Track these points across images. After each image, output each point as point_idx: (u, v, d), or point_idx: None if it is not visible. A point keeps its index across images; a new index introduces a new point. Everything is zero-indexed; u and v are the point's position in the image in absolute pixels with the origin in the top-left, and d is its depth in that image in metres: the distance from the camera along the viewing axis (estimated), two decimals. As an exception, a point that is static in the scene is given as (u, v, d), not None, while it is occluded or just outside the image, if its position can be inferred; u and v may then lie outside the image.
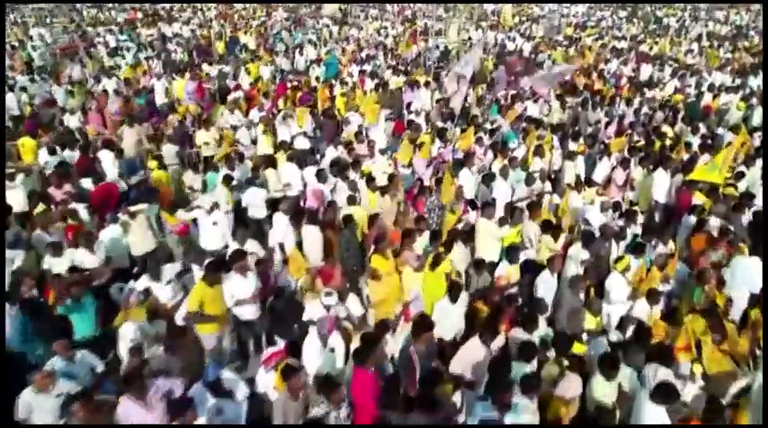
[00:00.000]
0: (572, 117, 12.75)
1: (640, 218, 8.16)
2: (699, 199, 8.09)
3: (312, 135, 11.06)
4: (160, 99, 14.56)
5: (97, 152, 10.00)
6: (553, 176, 10.27)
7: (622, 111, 13.24)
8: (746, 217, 7.73)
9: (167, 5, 38.62)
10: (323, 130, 11.39)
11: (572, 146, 10.33)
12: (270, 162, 9.43)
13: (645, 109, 13.47)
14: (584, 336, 6.07)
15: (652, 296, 6.21)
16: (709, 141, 10.58)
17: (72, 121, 12.41)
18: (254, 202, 8.58)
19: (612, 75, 17.15)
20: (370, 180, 8.32)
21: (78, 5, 38.23)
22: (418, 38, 22.13)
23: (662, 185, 8.70)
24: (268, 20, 31.43)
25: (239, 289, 5.70)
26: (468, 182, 9.02)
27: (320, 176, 8.57)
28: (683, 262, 7.14)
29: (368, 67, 16.59)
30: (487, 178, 8.90)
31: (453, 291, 5.76)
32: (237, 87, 14.19)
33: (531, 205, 7.44)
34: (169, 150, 10.52)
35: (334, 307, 5.76)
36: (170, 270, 6.30)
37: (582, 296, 6.25)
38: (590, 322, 6.21)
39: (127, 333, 5.52)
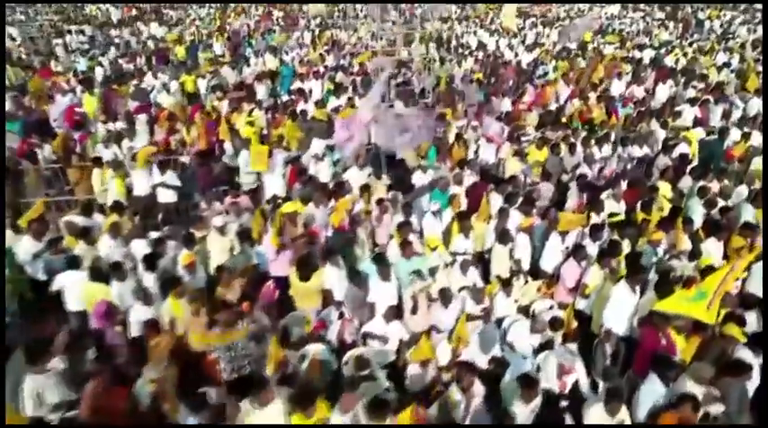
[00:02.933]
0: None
1: (580, 366, 5.19)
2: (676, 341, 5.02)
3: (180, 184, 8.44)
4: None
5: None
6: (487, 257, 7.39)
7: (613, 152, 10.12)
8: (753, 384, 4.66)
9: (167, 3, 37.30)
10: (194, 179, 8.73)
11: (516, 216, 7.30)
12: (82, 231, 6.89)
13: (645, 149, 10.25)
14: None
15: None
16: (718, 215, 7.43)
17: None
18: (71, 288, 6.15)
19: (620, 98, 13.78)
20: (172, 281, 5.65)
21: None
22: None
23: (622, 306, 5.62)
24: (261, 21, 29.16)
25: None
26: (337, 279, 6.25)
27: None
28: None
29: (314, 84, 13.85)
30: (357, 273, 6.11)
31: None
32: (141, 109, 11.68)
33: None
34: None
35: None
36: None
37: None
38: None
39: None
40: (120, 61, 19.02)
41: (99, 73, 16.72)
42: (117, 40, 22.52)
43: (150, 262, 6.02)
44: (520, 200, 7.64)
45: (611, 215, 7.20)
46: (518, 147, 9.45)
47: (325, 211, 7.48)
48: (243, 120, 10.78)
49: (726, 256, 6.97)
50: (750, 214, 7.33)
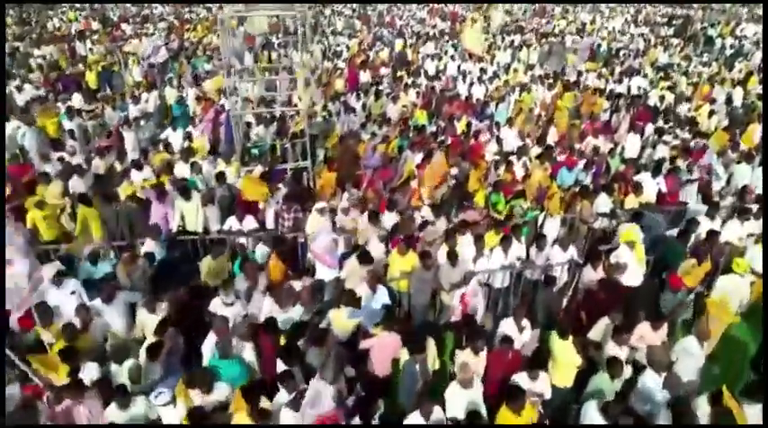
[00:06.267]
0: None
1: None
2: None
3: None
4: None
5: None
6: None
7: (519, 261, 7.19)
8: None
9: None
10: None
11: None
12: None
13: (570, 252, 7.27)
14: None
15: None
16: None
17: None
18: None
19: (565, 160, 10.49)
20: None
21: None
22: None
23: None
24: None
25: None
26: None
27: None
28: None
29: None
30: None
31: None
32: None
33: None
34: None
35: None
36: None
37: None
38: None
39: None
40: (28, 86, 16.73)
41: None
42: (39, 61, 20.24)
43: None
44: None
45: None
46: (368, 267, 6.42)
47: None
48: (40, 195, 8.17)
49: None
50: None
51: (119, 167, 10.21)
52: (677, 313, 6.01)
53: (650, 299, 6.71)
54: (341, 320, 5.62)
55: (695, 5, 36.25)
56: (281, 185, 8.30)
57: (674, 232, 7.61)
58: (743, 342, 6.99)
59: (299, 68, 10.01)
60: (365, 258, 6.21)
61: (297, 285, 6.36)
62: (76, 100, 14.41)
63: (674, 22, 29.31)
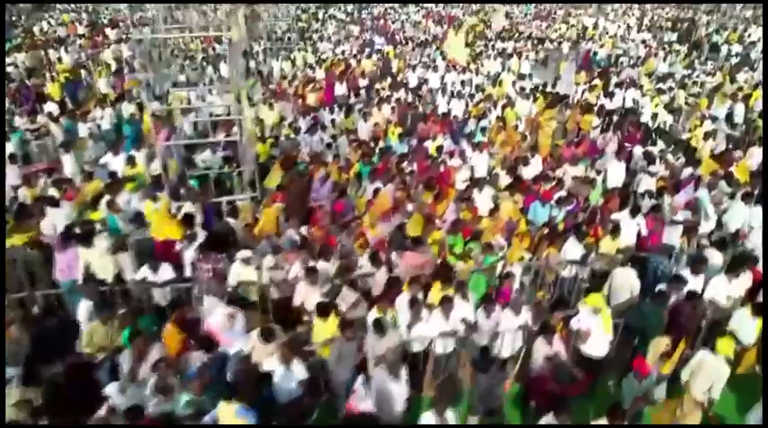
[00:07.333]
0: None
1: None
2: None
3: None
4: None
5: None
6: None
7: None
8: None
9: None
10: None
11: None
12: None
13: (524, 316, 6.20)
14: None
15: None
16: None
17: None
18: None
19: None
20: None
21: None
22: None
23: None
24: (206, 42, 25.69)
25: None
26: None
27: None
28: None
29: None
30: None
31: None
32: None
33: None
34: None
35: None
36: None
37: None
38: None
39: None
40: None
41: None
42: (10, 68, 19.36)
43: None
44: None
45: None
46: (274, 343, 5.38)
47: None
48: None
49: None
50: None
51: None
52: (637, 407, 4.95)
53: (616, 378, 5.69)
54: (229, 417, 4.64)
55: (702, 6, 34.87)
56: (198, 228, 7.30)
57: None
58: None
59: (232, 85, 8.98)
60: (268, 335, 5.24)
61: (197, 358, 5.44)
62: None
63: (678, 26, 27.96)
